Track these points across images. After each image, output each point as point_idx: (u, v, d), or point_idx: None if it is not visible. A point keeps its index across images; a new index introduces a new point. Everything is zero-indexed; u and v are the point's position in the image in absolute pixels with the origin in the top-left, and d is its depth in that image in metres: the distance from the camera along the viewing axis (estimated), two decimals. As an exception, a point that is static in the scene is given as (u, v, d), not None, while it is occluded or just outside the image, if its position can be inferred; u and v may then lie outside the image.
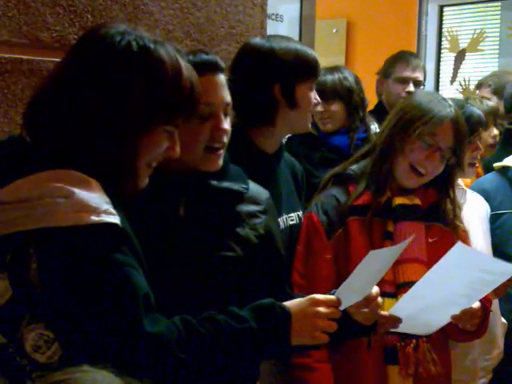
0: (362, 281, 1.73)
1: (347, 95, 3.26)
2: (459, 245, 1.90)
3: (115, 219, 1.42)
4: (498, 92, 4.14)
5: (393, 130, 2.32)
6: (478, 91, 4.48)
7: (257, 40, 2.41)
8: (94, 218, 1.39)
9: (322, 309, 1.64)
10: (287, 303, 1.65)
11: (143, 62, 1.50)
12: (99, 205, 1.41)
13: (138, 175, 1.54)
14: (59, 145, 1.46)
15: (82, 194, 1.39)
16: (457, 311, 2.16)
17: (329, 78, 3.25)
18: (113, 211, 1.43)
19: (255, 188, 1.97)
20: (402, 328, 2.09)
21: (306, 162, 3.06)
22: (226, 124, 1.83)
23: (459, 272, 1.97)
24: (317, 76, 2.39)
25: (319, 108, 3.18)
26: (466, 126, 2.35)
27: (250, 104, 2.33)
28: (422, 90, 2.70)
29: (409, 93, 3.75)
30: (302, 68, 2.32)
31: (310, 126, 2.44)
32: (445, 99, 2.34)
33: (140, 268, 1.48)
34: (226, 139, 1.84)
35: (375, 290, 1.78)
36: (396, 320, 2.06)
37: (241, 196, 1.90)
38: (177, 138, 1.59)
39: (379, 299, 1.79)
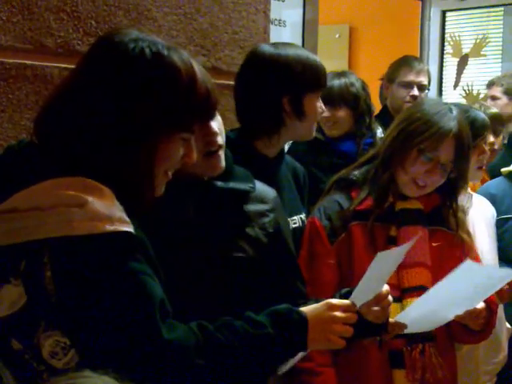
0: (371, 281, 1.74)
1: (353, 101, 3.26)
2: (468, 262, 1.91)
3: (129, 227, 1.42)
4: (509, 92, 4.14)
5: (395, 140, 2.30)
6: (488, 90, 4.49)
7: (265, 48, 2.37)
8: (109, 227, 1.39)
9: (338, 313, 1.64)
10: (303, 308, 1.65)
11: (157, 68, 1.49)
12: (113, 213, 1.41)
13: (155, 183, 1.53)
14: (72, 152, 1.46)
15: (95, 202, 1.39)
16: (460, 311, 2.17)
17: (336, 83, 3.24)
18: (126, 219, 1.43)
19: (262, 187, 1.97)
20: (406, 331, 2.10)
21: (314, 167, 3.06)
22: (215, 126, 1.81)
23: (466, 284, 2.00)
24: (325, 86, 2.39)
25: (325, 113, 3.18)
26: (469, 139, 2.31)
27: (255, 114, 2.33)
28: (430, 100, 2.67)
29: (413, 97, 3.77)
30: (311, 79, 2.31)
31: (313, 134, 2.44)
32: (451, 110, 2.29)
33: (155, 275, 1.47)
34: (220, 139, 1.82)
35: (385, 288, 1.78)
36: (401, 326, 2.06)
37: (248, 195, 1.90)
38: (193, 144, 1.57)
39: (389, 297, 1.79)
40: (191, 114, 1.54)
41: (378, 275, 1.74)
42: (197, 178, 1.82)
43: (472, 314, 2.20)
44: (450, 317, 2.18)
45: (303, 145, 3.16)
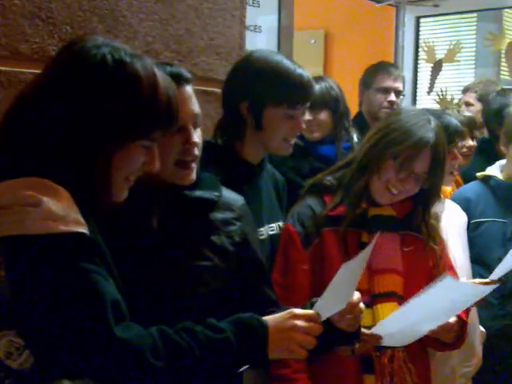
0: (340, 290, 1.73)
1: (334, 104, 3.29)
2: (448, 278, 1.93)
3: (83, 229, 1.43)
4: (482, 99, 4.19)
5: (373, 148, 2.30)
6: (463, 95, 4.54)
7: (257, 54, 2.37)
8: (62, 228, 1.40)
9: (299, 322, 1.62)
10: (266, 317, 1.64)
11: (117, 75, 1.49)
12: (68, 214, 1.42)
13: (114, 189, 1.53)
14: (32, 155, 1.46)
15: (50, 202, 1.40)
16: (434, 326, 2.20)
17: (316, 86, 3.27)
18: (81, 221, 1.43)
19: (229, 195, 1.96)
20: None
21: (295, 173, 3.07)
22: (197, 137, 1.81)
23: (443, 298, 2.02)
24: (300, 103, 2.30)
25: (307, 116, 3.20)
26: (445, 151, 2.33)
27: (223, 118, 2.35)
28: (409, 109, 2.66)
29: (391, 102, 3.79)
30: (276, 92, 2.26)
31: (284, 150, 2.38)
32: (430, 121, 2.29)
33: (110, 277, 1.48)
34: (197, 152, 1.82)
35: (356, 296, 1.78)
36: (377, 338, 2.07)
37: (213, 204, 1.89)
38: (156, 152, 1.58)
39: (361, 305, 1.80)
40: (152, 121, 1.54)
41: (345, 284, 1.72)
42: (163, 183, 1.80)
43: (444, 328, 2.24)
44: (424, 331, 2.21)
45: None
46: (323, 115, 3.27)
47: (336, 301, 1.73)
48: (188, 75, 1.83)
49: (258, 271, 1.99)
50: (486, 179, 3.21)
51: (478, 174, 3.24)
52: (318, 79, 3.33)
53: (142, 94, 1.51)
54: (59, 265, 1.40)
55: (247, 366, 1.62)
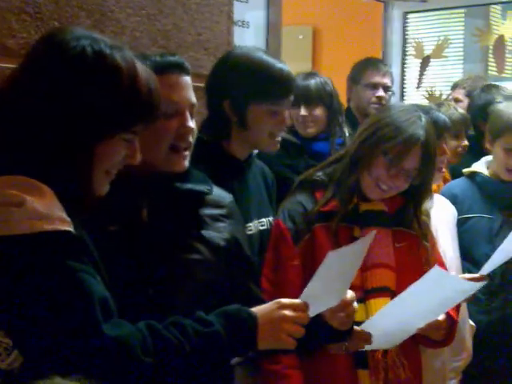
0: (331, 284, 1.72)
1: (329, 100, 3.28)
2: (436, 269, 1.93)
3: (69, 227, 1.41)
4: (471, 95, 4.20)
5: (363, 144, 2.30)
6: (452, 92, 4.54)
7: (236, 51, 2.38)
8: (47, 226, 1.38)
9: (288, 312, 1.62)
10: (254, 308, 1.64)
11: (96, 67, 1.47)
12: (52, 212, 1.40)
13: (94, 183, 1.52)
14: (12, 151, 1.45)
15: (34, 201, 1.38)
16: (423, 324, 2.20)
17: (312, 82, 3.26)
18: (66, 219, 1.42)
19: (218, 192, 1.96)
20: (372, 346, 2.11)
21: (290, 171, 3.06)
22: (192, 123, 1.81)
23: (432, 292, 2.02)
24: (283, 98, 2.30)
25: (303, 112, 3.20)
26: (435, 148, 2.33)
27: (208, 117, 2.34)
28: (400, 105, 2.67)
29: (379, 98, 3.79)
30: (258, 88, 2.25)
31: (271, 147, 2.38)
32: (421, 118, 2.29)
33: (97, 275, 1.47)
34: (191, 139, 1.82)
35: (350, 294, 1.78)
36: (367, 336, 2.07)
37: (204, 199, 1.89)
38: (137, 145, 1.56)
39: (355, 304, 1.79)
40: (132, 115, 1.52)
41: (336, 277, 1.71)
42: (153, 171, 1.79)
43: (433, 326, 2.25)
44: (413, 330, 2.22)
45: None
46: (318, 111, 3.26)
47: (328, 296, 1.72)
48: (189, 68, 1.84)
49: (246, 269, 1.99)
50: (473, 175, 3.22)
51: (465, 171, 3.25)
52: (312, 75, 3.34)
53: (123, 85, 1.48)
54: (46, 264, 1.39)
55: (238, 359, 1.61)
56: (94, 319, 1.40)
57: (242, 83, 2.26)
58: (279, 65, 2.30)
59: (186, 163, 1.83)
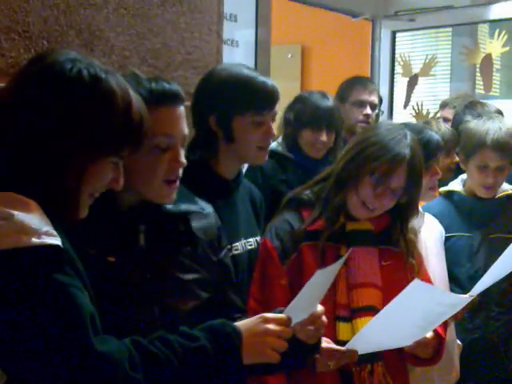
0: (307, 299, 1.73)
1: (340, 126, 3.30)
2: (416, 282, 1.93)
3: (56, 240, 1.41)
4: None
5: (350, 163, 2.31)
6: (440, 110, 4.56)
7: (218, 68, 2.40)
8: (35, 240, 1.38)
9: (271, 326, 1.63)
10: (237, 323, 1.65)
11: (94, 91, 1.48)
12: (39, 226, 1.40)
13: (79, 205, 1.52)
14: (2, 169, 1.45)
15: (21, 215, 1.38)
16: (411, 342, 2.20)
17: (335, 109, 3.28)
18: (54, 232, 1.42)
19: (201, 203, 1.98)
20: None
21: (286, 186, 3.05)
22: (183, 157, 1.82)
23: (416, 306, 2.02)
24: (266, 108, 2.31)
25: (324, 138, 3.19)
26: (421, 166, 2.33)
27: (195, 136, 2.34)
28: (386, 124, 2.67)
29: (367, 115, 3.81)
30: (241, 100, 2.27)
31: (259, 159, 2.39)
32: (406, 136, 2.29)
33: (84, 290, 1.46)
34: (181, 172, 1.83)
35: (320, 308, 1.78)
36: (353, 354, 2.06)
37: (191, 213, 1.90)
38: (121, 169, 1.58)
39: (324, 318, 1.80)
40: (124, 139, 1.54)
41: (313, 293, 1.73)
42: (146, 200, 1.80)
43: (421, 344, 2.24)
44: (401, 344, 2.21)
45: (271, 163, 3.16)
46: (333, 136, 3.26)
47: (302, 309, 1.73)
48: (183, 95, 1.83)
49: (225, 275, 2.00)
50: (449, 195, 3.22)
51: (441, 190, 3.24)
52: (328, 97, 3.32)
53: (118, 109, 1.50)
54: (34, 279, 1.38)
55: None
56: (86, 335, 1.40)
57: (226, 96, 2.27)
58: (261, 78, 2.32)
59: (175, 195, 1.83)
